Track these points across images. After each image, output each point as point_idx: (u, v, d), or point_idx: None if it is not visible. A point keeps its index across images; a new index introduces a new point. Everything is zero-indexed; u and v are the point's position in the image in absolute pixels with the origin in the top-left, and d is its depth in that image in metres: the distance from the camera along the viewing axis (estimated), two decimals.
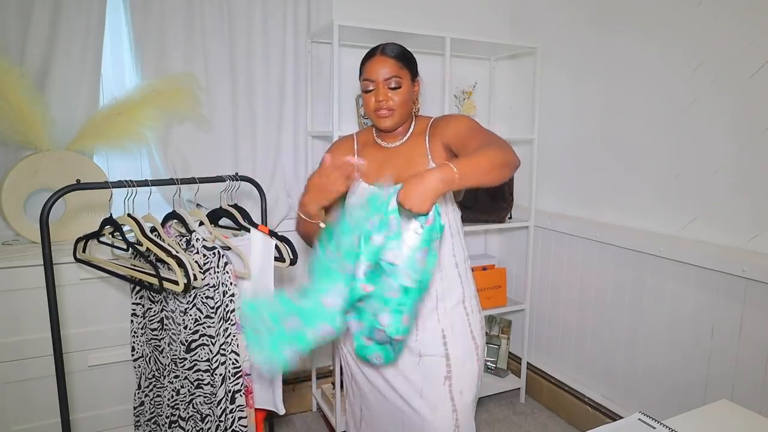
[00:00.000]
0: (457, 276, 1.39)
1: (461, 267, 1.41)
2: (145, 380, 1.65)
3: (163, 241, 1.49)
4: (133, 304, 1.61)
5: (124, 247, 1.48)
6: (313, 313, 1.15)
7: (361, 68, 1.40)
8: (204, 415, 1.50)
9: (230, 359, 1.46)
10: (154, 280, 1.37)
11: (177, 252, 1.38)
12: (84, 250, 1.55)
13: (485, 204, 2.42)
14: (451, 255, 1.38)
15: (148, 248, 1.41)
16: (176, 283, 1.35)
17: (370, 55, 1.38)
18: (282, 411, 1.64)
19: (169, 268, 1.37)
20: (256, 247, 1.56)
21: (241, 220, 1.63)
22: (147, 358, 1.63)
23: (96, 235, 1.54)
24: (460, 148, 1.31)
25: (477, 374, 1.41)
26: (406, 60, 1.38)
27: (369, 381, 1.45)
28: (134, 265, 1.48)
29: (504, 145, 1.22)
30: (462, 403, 1.37)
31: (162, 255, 1.38)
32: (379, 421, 1.46)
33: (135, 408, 1.67)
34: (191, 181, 1.59)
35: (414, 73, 1.40)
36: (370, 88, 1.36)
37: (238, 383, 1.47)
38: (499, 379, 2.57)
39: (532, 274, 2.53)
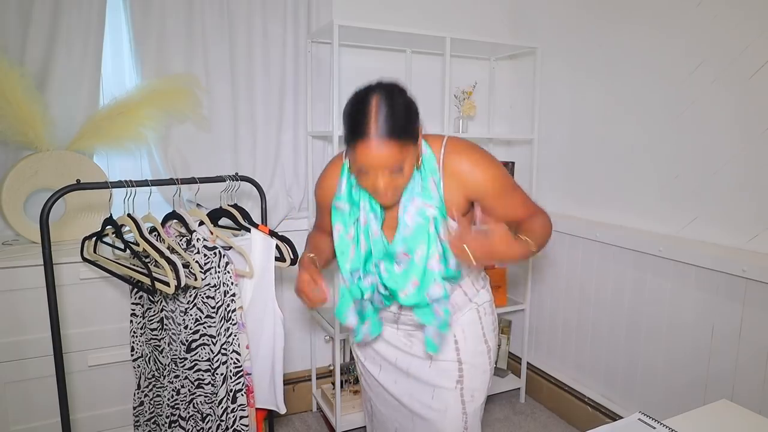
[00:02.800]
0: (472, 285, 1.37)
1: (466, 280, 1.36)
2: (145, 380, 1.65)
3: (163, 241, 1.49)
4: (133, 304, 1.61)
5: (122, 247, 1.48)
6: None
7: (347, 138, 1.10)
8: (205, 415, 1.50)
9: (231, 359, 1.46)
10: (148, 281, 1.38)
11: (170, 254, 1.39)
12: (95, 250, 1.55)
13: None
14: (464, 268, 1.33)
15: (144, 249, 1.41)
16: (168, 284, 1.35)
17: (360, 132, 1.06)
18: (283, 410, 1.64)
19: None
20: (257, 247, 1.57)
21: (241, 220, 1.63)
22: (146, 358, 1.63)
23: (99, 235, 1.54)
24: (495, 210, 1.19)
25: (488, 376, 1.40)
26: (407, 132, 1.09)
27: (378, 382, 1.45)
28: (134, 265, 1.48)
29: (547, 218, 1.25)
30: (472, 406, 1.36)
31: (155, 256, 1.38)
32: (390, 418, 1.47)
33: (134, 408, 1.67)
34: (191, 181, 1.60)
35: (416, 135, 1.13)
36: (363, 170, 1.11)
37: (239, 382, 1.47)
38: (499, 379, 2.57)
39: (532, 274, 2.53)
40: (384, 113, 1.05)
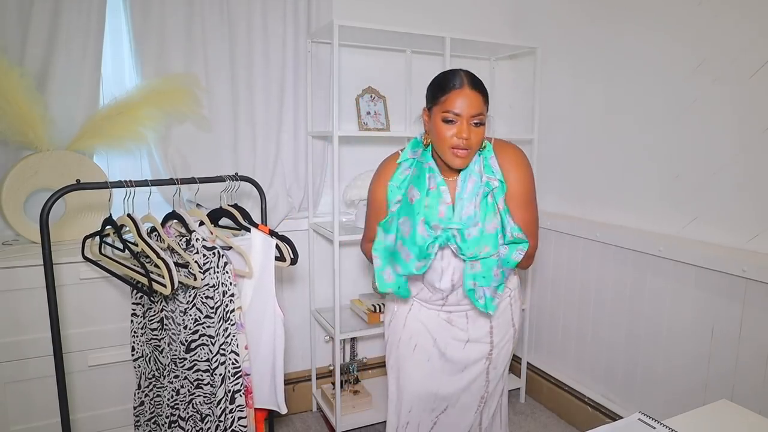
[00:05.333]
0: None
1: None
2: (145, 380, 1.65)
3: (162, 241, 1.49)
4: (133, 304, 1.61)
5: (121, 247, 1.48)
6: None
7: (438, 94, 1.31)
8: (204, 415, 1.50)
9: (230, 359, 1.46)
10: (147, 281, 1.38)
11: (164, 254, 1.39)
12: (101, 251, 1.55)
13: None
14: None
15: (142, 249, 1.41)
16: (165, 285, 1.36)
17: (455, 84, 1.29)
18: (284, 410, 1.64)
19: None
20: (257, 246, 1.57)
21: (241, 220, 1.63)
22: (147, 358, 1.63)
23: (100, 234, 1.54)
24: (509, 206, 1.36)
25: (511, 352, 1.58)
26: (487, 95, 1.33)
27: (412, 360, 1.55)
28: (135, 266, 1.48)
29: (530, 247, 1.38)
30: (494, 374, 1.55)
31: (153, 257, 1.38)
32: (422, 382, 1.55)
33: (135, 408, 1.67)
34: (191, 181, 1.60)
35: (488, 108, 1.34)
36: (450, 119, 1.28)
37: (237, 383, 1.47)
38: None
39: (532, 274, 2.53)
40: (472, 75, 1.33)
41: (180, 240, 1.49)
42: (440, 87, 1.31)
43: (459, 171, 1.37)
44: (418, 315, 1.52)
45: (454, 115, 1.28)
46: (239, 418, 1.47)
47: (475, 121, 1.29)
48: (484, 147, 1.38)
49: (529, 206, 1.40)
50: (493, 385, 1.56)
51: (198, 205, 1.75)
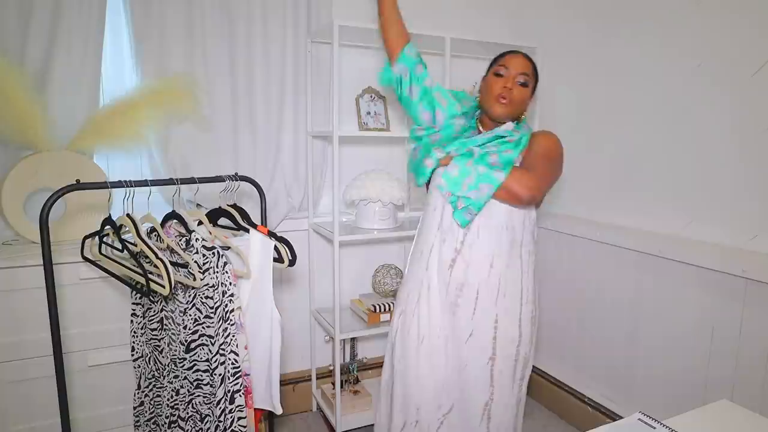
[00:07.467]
0: (519, 266, 1.49)
1: (524, 258, 1.51)
2: (145, 380, 1.65)
3: (162, 241, 1.49)
4: (133, 304, 1.61)
5: (120, 247, 1.48)
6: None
7: (497, 59, 1.53)
8: (203, 415, 1.50)
9: (229, 359, 1.46)
10: (145, 281, 1.38)
11: (162, 255, 1.39)
12: (100, 250, 1.55)
13: None
14: (519, 245, 1.49)
15: (141, 250, 1.41)
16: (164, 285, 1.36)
17: (512, 52, 1.53)
18: (279, 411, 1.64)
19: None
20: (255, 247, 1.57)
21: (240, 220, 1.63)
22: (147, 358, 1.63)
23: (100, 234, 1.54)
24: (526, 159, 1.47)
25: (515, 359, 1.52)
26: (536, 73, 1.53)
27: (416, 353, 1.55)
28: (134, 266, 1.48)
29: (525, 180, 1.40)
30: (500, 379, 1.50)
31: (152, 257, 1.38)
32: (424, 377, 1.55)
33: (135, 408, 1.67)
34: (191, 181, 1.60)
35: (535, 88, 1.54)
36: (502, 72, 1.48)
37: (237, 383, 1.47)
38: None
39: None
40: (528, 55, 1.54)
41: (180, 240, 1.49)
42: (500, 55, 1.54)
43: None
44: (426, 308, 1.53)
45: (504, 69, 1.48)
46: (239, 418, 1.47)
47: (521, 80, 1.47)
48: (522, 120, 1.55)
49: (546, 157, 1.46)
50: (499, 395, 1.52)
51: (198, 205, 1.74)
